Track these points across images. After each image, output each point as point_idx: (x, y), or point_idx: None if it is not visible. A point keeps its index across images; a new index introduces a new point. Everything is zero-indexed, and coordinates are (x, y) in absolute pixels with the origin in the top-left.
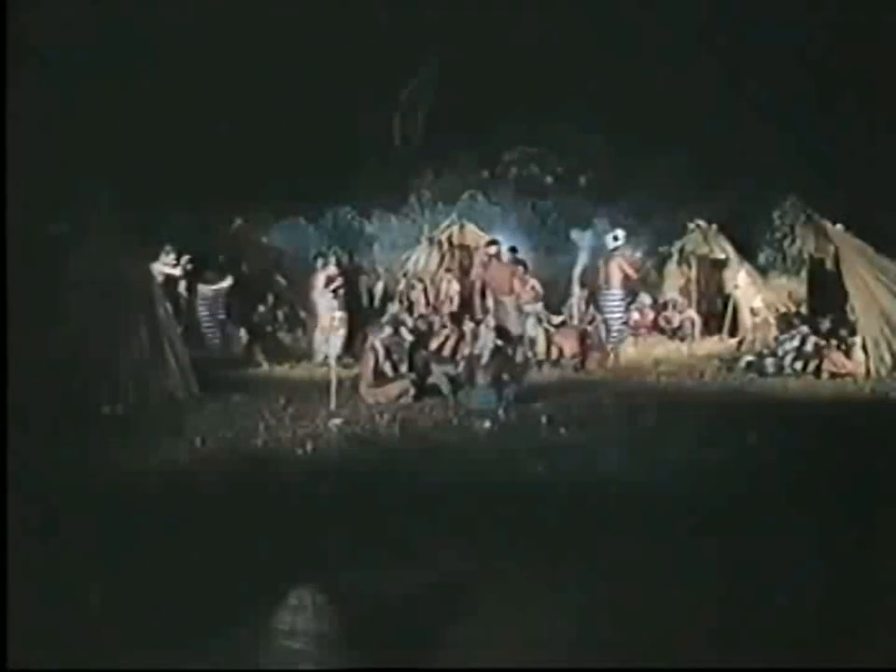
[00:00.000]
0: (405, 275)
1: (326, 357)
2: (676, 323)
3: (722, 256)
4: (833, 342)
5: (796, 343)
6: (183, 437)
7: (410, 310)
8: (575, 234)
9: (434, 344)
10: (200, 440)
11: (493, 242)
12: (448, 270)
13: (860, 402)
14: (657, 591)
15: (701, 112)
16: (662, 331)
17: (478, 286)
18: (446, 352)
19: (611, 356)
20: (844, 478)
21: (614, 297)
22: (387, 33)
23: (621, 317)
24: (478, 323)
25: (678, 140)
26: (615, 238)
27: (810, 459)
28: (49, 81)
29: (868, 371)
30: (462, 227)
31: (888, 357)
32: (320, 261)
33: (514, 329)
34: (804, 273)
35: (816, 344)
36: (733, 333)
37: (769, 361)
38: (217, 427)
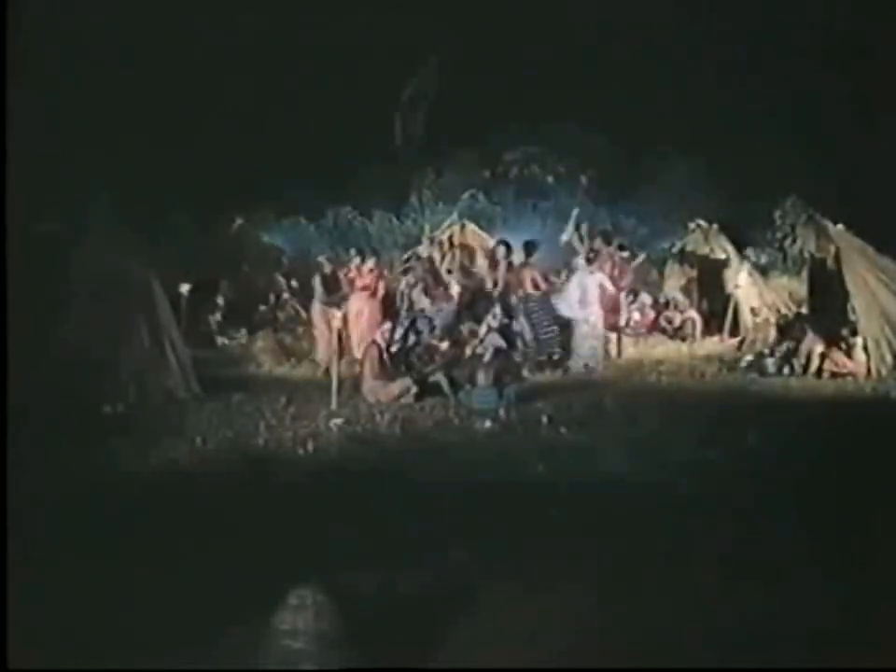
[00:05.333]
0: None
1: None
2: (677, 323)
3: (723, 256)
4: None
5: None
6: (184, 436)
7: (410, 309)
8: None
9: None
10: (200, 439)
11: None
12: (448, 270)
13: (860, 402)
14: (658, 591)
15: (702, 112)
16: (663, 331)
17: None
18: (447, 351)
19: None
20: (844, 478)
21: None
22: (388, 33)
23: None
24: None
25: (679, 140)
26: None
27: (811, 459)
28: (49, 81)
29: (869, 370)
30: (463, 227)
31: (888, 357)
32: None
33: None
34: (804, 273)
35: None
36: (734, 333)
37: (770, 361)
38: (218, 426)
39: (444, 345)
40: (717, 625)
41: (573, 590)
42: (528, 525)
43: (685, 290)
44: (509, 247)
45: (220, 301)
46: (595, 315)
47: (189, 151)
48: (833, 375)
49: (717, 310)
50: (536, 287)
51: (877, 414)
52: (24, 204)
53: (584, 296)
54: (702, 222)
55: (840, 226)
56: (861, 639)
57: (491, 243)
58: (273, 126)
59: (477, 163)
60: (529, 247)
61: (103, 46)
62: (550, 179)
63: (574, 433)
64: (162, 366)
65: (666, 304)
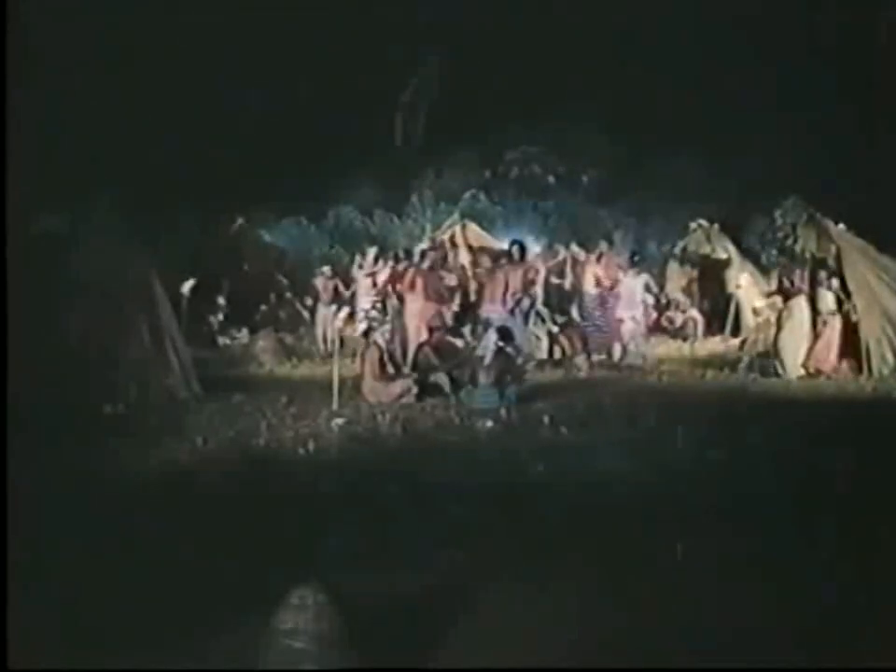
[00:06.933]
0: None
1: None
2: (678, 323)
3: (724, 255)
4: None
5: None
6: (184, 436)
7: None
8: None
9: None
10: (201, 439)
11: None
12: (450, 270)
13: (861, 402)
14: (658, 591)
15: (703, 112)
16: (664, 331)
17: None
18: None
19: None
20: (845, 478)
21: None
22: (388, 33)
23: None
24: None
25: (680, 140)
26: None
27: (811, 459)
28: (49, 81)
29: (870, 370)
30: (464, 226)
31: (889, 357)
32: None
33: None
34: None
35: None
36: (735, 333)
37: (771, 361)
38: (219, 426)
39: None
40: (716, 625)
41: (573, 590)
42: (529, 525)
43: (687, 290)
44: (523, 248)
45: (221, 300)
46: (640, 314)
47: (191, 151)
48: (829, 377)
49: (718, 310)
50: (598, 283)
51: (877, 414)
52: (25, 204)
53: (632, 297)
54: (703, 222)
55: (841, 225)
56: (862, 639)
57: (492, 242)
58: (274, 126)
59: (477, 163)
60: (588, 245)
61: (103, 45)
62: (550, 179)
63: (575, 433)
64: (163, 366)
65: (668, 304)
